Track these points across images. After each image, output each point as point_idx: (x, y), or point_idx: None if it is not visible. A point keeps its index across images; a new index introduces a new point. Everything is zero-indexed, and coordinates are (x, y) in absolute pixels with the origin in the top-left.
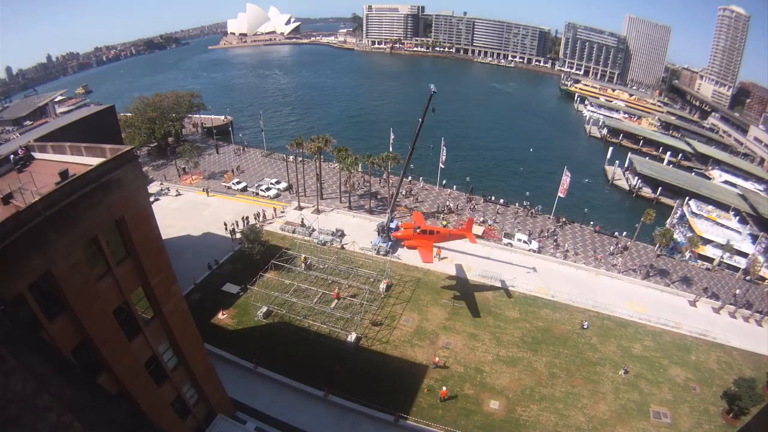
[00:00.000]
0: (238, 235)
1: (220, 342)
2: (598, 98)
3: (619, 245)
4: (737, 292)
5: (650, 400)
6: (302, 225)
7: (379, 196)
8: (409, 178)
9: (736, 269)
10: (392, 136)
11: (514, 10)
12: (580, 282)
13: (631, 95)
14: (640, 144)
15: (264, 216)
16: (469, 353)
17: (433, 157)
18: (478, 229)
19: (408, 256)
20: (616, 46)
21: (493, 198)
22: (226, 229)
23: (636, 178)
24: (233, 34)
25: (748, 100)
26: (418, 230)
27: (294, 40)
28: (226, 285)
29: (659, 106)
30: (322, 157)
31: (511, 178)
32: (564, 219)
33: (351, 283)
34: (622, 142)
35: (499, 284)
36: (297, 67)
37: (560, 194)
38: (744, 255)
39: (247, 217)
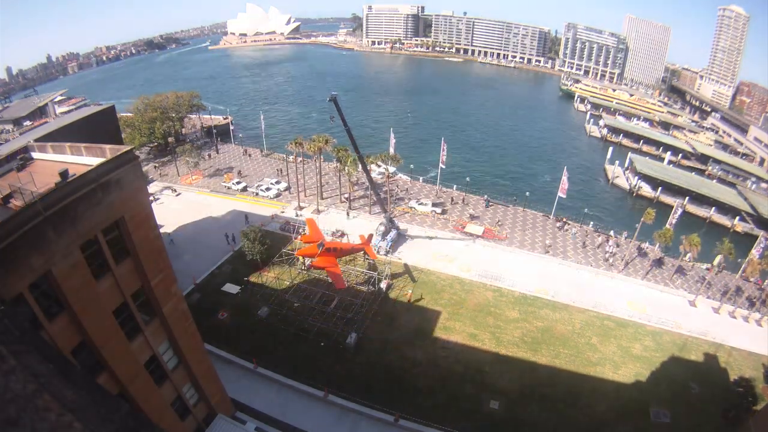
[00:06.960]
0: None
1: (220, 342)
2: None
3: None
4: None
5: (650, 400)
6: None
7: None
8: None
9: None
10: (392, 136)
11: (514, 10)
12: (580, 282)
13: (631, 95)
14: (641, 143)
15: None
16: (469, 353)
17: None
18: (478, 229)
19: (408, 256)
20: (616, 46)
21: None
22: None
23: (636, 177)
24: (233, 34)
25: (748, 100)
26: (322, 247)
27: (294, 40)
28: (226, 285)
29: (659, 105)
30: (322, 157)
31: (510, 178)
32: (564, 219)
33: (351, 283)
34: (622, 141)
35: (499, 284)
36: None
37: (560, 194)
38: None
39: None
